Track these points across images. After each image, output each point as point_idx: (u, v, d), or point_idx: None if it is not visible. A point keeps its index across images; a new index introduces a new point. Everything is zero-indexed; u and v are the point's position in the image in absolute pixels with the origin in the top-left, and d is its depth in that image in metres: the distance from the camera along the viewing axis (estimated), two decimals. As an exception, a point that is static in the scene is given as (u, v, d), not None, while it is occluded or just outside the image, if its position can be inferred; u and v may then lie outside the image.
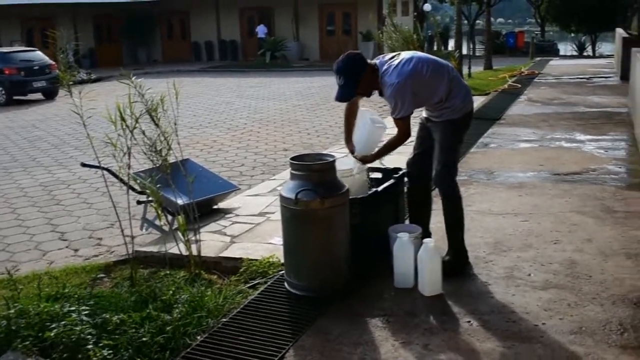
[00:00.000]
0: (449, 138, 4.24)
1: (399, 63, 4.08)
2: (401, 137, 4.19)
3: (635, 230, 4.89)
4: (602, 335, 3.38)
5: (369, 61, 4.17)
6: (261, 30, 30.89)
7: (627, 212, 5.34)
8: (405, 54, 4.22)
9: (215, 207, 6.07)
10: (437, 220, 4.49)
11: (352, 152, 4.45)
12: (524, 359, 3.18)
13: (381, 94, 4.19)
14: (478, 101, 12.72)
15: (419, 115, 4.51)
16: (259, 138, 10.81)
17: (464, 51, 19.53)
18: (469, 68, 17.89)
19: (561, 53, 35.37)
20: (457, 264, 4.23)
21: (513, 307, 3.73)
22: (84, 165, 5.63)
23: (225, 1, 31.94)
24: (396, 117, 4.11)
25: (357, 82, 4.08)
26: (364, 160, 4.38)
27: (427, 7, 29.14)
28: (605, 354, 3.20)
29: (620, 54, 15.08)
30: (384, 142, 4.35)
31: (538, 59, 24.66)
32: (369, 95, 4.26)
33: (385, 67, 4.11)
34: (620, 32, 18.06)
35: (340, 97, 4.18)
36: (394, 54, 4.28)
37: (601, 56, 30.27)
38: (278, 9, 31.67)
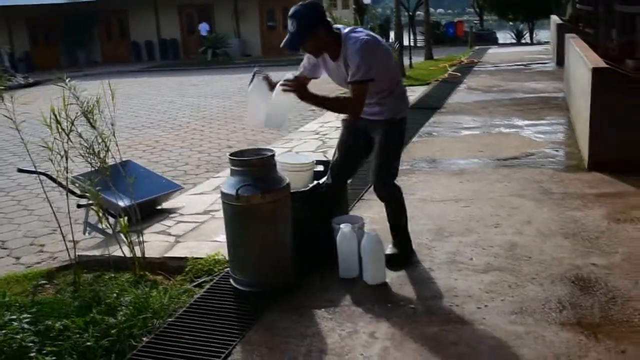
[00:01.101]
0: (394, 140, 4.12)
1: (364, 30, 3.95)
2: (353, 104, 3.85)
3: (572, 211, 5.04)
4: (542, 314, 3.47)
5: (330, 20, 3.89)
6: (203, 27, 30.65)
7: (564, 193, 5.50)
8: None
9: (159, 207, 6.01)
10: (379, 210, 4.52)
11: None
12: (467, 341, 3.25)
13: (334, 58, 3.90)
14: (419, 91, 12.92)
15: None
16: (202, 136, 10.73)
17: (405, 42, 19.74)
18: (410, 59, 18.11)
19: (500, 41, 36.03)
20: (403, 256, 4.27)
21: (456, 291, 3.80)
22: (20, 170, 5.51)
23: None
24: (357, 79, 3.75)
25: (309, 33, 3.75)
26: (302, 92, 3.80)
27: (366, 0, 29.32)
28: (545, 331, 3.29)
29: (556, 40, 15.45)
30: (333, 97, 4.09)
31: (477, 47, 25.06)
32: (318, 55, 3.94)
33: (349, 29, 3.89)
34: (555, 19, 18.50)
35: (287, 44, 3.78)
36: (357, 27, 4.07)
37: (539, 43, 30.96)
38: (217, 5, 31.46)
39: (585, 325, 3.33)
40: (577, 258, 4.16)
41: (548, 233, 4.61)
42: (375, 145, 4.13)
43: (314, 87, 3.97)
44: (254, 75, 4.08)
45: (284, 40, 3.81)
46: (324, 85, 4.34)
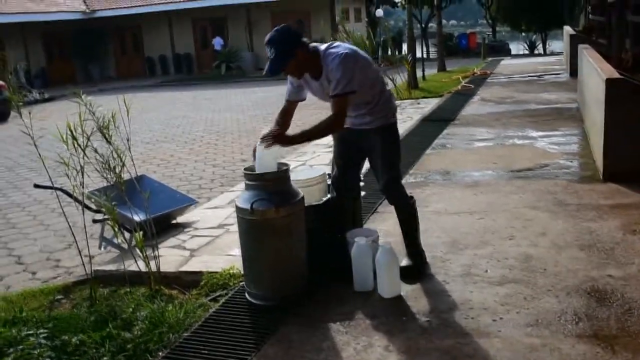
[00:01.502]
0: (391, 146, 4.14)
1: (341, 44, 3.95)
2: (336, 119, 3.84)
3: (587, 222, 5.01)
4: (558, 326, 3.45)
5: (306, 40, 3.89)
6: (217, 42, 30.85)
7: (579, 204, 5.47)
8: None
9: (174, 221, 6.04)
10: (394, 222, 4.53)
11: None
12: (482, 354, 3.24)
13: (315, 77, 3.91)
14: (432, 103, 12.95)
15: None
16: (216, 150, 10.79)
17: (418, 54, 19.77)
18: (423, 71, 18.12)
19: (513, 52, 36.01)
20: (417, 268, 4.27)
21: (471, 303, 3.79)
22: (37, 186, 5.55)
23: (178, 14, 31.78)
24: (338, 92, 3.77)
25: (289, 57, 3.75)
26: (282, 140, 3.89)
27: (379, 12, 29.50)
28: (561, 344, 3.27)
29: (569, 51, 15.42)
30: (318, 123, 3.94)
31: (490, 59, 25.07)
32: (300, 76, 3.94)
33: (326, 45, 3.92)
34: (568, 29, 18.46)
35: (270, 70, 3.77)
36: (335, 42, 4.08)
37: (552, 54, 30.91)
38: (231, 19, 31.67)
39: (602, 337, 3.31)
40: (593, 270, 4.13)
41: (563, 245, 4.59)
42: (372, 153, 4.17)
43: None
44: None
45: (265, 68, 3.82)
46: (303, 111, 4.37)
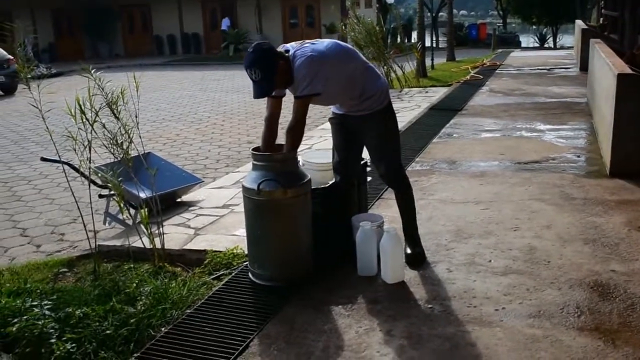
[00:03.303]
0: (388, 130, 4.14)
1: (313, 43, 3.86)
2: (295, 123, 3.81)
3: (593, 217, 5.01)
4: (560, 318, 3.46)
5: (281, 49, 3.85)
6: (224, 22, 30.74)
7: (585, 199, 5.46)
8: (320, 40, 4.00)
9: (179, 200, 6.05)
10: (395, 210, 4.52)
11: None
12: (484, 343, 3.24)
13: (291, 82, 3.82)
14: (440, 92, 12.90)
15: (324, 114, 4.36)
16: (222, 131, 10.78)
17: (427, 43, 19.69)
18: (432, 60, 18.06)
19: (523, 45, 35.88)
20: (423, 254, 4.29)
21: (474, 292, 3.80)
22: (43, 159, 5.57)
23: (188, -6, 31.71)
24: (300, 94, 3.74)
25: (274, 74, 3.69)
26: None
27: (390, -1, 29.29)
28: (562, 335, 3.28)
29: (580, 45, 15.33)
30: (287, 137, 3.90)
31: (500, 50, 24.94)
32: (287, 85, 3.86)
33: (297, 46, 3.83)
34: (579, 23, 18.36)
35: (261, 93, 3.72)
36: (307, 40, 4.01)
37: (562, 48, 30.74)
38: (241, 1, 31.53)
39: (604, 331, 3.32)
40: (597, 264, 4.13)
41: (568, 238, 4.59)
42: (368, 138, 4.15)
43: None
44: None
45: (255, 92, 3.73)
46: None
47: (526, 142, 7.79)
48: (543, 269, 4.08)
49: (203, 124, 11.63)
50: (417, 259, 4.21)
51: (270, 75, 3.69)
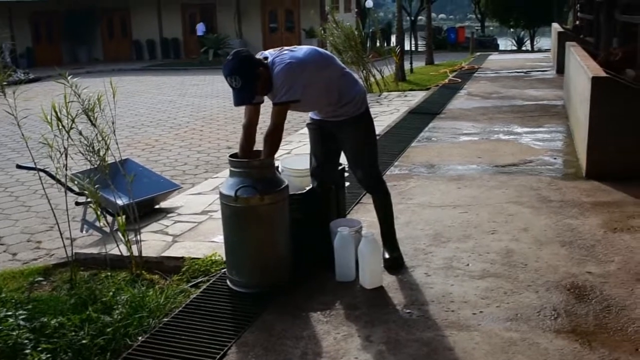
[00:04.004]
0: (365, 136, 4.15)
1: (292, 50, 3.87)
2: (274, 129, 3.80)
3: (569, 219, 5.05)
4: (537, 321, 3.48)
5: (260, 56, 3.85)
6: (200, 28, 30.64)
7: (562, 201, 5.51)
8: (298, 46, 4.01)
9: (157, 206, 6.01)
10: (374, 215, 4.52)
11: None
12: (462, 346, 3.26)
13: (270, 88, 3.81)
14: (419, 96, 12.95)
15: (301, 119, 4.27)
16: (202, 136, 10.75)
17: (406, 47, 19.76)
18: (411, 63, 18.13)
19: (501, 48, 36.13)
20: (401, 259, 4.30)
21: (452, 296, 3.81)
22: (19, 167, 5.51)
23: (167, -2, 31.60)
24: (278, 100, 3.74)
25: (255, 81, 3.70)
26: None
27: (368, 3, 29.37)
28: (539, 338, 3.30)
29: (556, 48, 15.47)
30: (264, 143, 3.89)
31: (478, 54, 25.08)
32: (267, 92, 3.84)
33: (276, 53, 3.84)
34: (556, 26, 18.53)
35: (242, 100, 3.73)
36: (285, 47, 4.01)
37: (539, 50, 31.01)
38: (220, 6, 31.49)
39: (580, 333, 3.34)
40: (573, 266, 4.17)
41: (544, 240, 4.62)
42: (346, 143, 4.15)
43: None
44: None
45: (235, 100, 3.73)
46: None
47: (504, 145, 7.84)
48: (520, 272, 4.10)
49: (182, 129, 11.58)
50: (395, 264, 4.22)
51: (251, 83, 3.68)
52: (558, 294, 3.80)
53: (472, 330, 3.42)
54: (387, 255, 4.24)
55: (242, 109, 4.05)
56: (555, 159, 7.06)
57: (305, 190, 4.27)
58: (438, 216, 5.25)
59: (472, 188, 6.01)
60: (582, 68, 6.96)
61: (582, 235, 4.69)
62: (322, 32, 15.40)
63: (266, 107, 3.91)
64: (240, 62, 3.68)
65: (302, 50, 3.91)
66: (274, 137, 3.86)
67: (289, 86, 3.72)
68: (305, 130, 8.35)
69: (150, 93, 17.71)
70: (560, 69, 13.58)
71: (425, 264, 4.31)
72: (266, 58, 3.83)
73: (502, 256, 4.37)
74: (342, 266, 4.05)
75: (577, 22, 17.60)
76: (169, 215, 5.80)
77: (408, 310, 3.67)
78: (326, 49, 4.24)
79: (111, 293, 3.90)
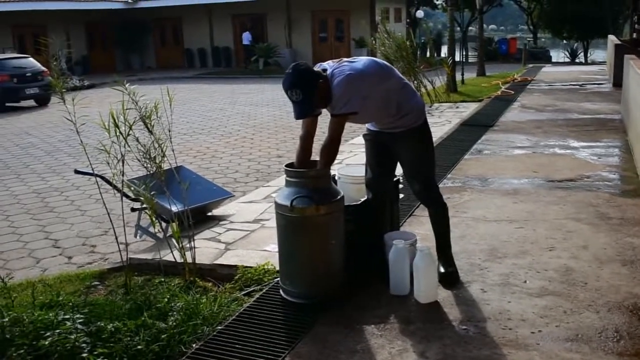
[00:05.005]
0: (423, 148, 4.10)
1: (351, 62, 3.85)
2: (331, 142, 3.80)
3: (630, 237, 4.90)
4: (599, 343, 3.37)
5: (318, 69, 3.86)
6: (246, 37, 30.88)
7: (622, 218, 5.35)
8: (358, 57, 3.98)
9: (209, 214, 6.05)
10: (427, 228, 4.46)
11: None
12: (520, 366, 3.17)
13: (329, 100, 3.79)
14: (471, 108, 12.81)
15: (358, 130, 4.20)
16: (252, 145, 10.81)
17: (457, 58, 19.59)
18: (462, 75, 17.95)
19: (553, 60, 35.51)
20: (457, 274, 4.23)
21: (509, 314, 3.72)
22: (77, 172, 5.61)
23: (218, 8, 31.93)
24: (337, 112, 3.74)
25: (315, 94, 3.68)
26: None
27: (419, 13, 29.33)
28: (601, 361, 3.20)
29: (613, 61, 15.14)
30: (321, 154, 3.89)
31: (530, 65, 24.74)
32: (327, 104, 3.81)
33: (335, 65, 3.82)
34: (612, 38, 18.15)
35: (303, 113, 3.76)
36: (345, 59, 3.98)
37: (593, 63, 30.42)
38: (270, 15, 31.72)
39: (644, 356, 3.23)
40: (636, 287, 4.03)
41: (605, 259, 4.49)
42: (402, 155, 4.11)
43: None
44: None
45: (297, 113, 3.75)
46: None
47: (560, 160, 7.68)
48: (580, 291, 3.99)
49: (233, 137, 11.67)
50: (450, 279, 4.15)
51: (311, 96, 3.68)
52: (620, 315, 3.67)
53: (530, 349, 3.33)
54: (442, 270, 4.17)
55: (292, 119, 4.03)
56: (614, 174, 6.88)
57: (359, 202, 4.23)
58: (493, 231, 5.15)
59: (528, 203, 5.89)
60: (644, 82, 6.77)
61: (644, 255, 4.55)
62: (373, 41, 15.36)
63: (324, 118, 3.89)
64: (300, 76, 3.68)
65: (361, 61, 3.88)
66: (331, 149, 3.84)
67: (347, 98, 3.70)
68: (357, 140, 8.33)
69: (201, 101, 17.92)
70: (617, 82, 13.28)
71: (481, 279, 4.22)
72: (325, 70, 3.82)
73: (560, 274, 4.25)
74: (396, 279, 3.99)
75: (635, 35, 17.20)
76: (221, 222, 5.82)
77: (464, 327, 3.60)
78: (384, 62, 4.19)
79: (166, 299, 3.92)
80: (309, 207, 3.74)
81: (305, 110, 3.75)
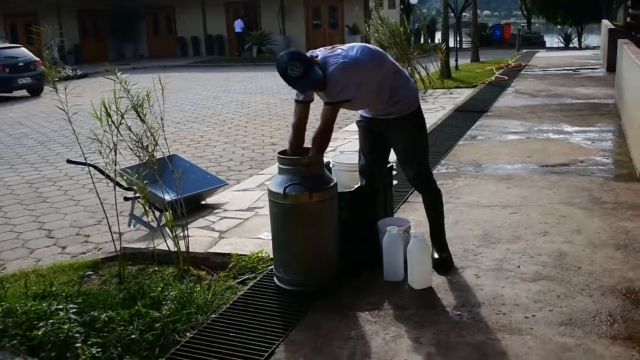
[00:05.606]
0: (417, 134, 4.09)
1: (345, 49, 3.81)
2: (324, 128, 3.78)
3: (624, 221, 4.91)
4: (592, 327, 3.38)
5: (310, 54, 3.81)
6: (238, 25, 30.75)
7: (615, 203, 5.36)
8: (351, 44, 3.95)
9: (203, 202, 6.04)
10: (421, 214, 4.46)
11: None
12: (514, 351, 3.18)
13: (322, 87, 3.75)
14: (465, 93, 12.81)
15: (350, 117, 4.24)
16: (246, 133, 10.78)
17: (451, 44, 19.55)
18: (456, 60, 17.93)
19: (547, 45, 35.51)
20: (450, 259, 4.23)
21: (503, 299, 3.72)
22: (69, 161, 5.59)
23: (211, -5, 31.80)
24: (331, 99, 3.72)
25: (313, 66, 3.63)
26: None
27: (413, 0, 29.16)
28: (595, 344, 3.20)
29: (606, 46, 15.13)
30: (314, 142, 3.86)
31: (524, 51, 24.72)
32: (324, 87, 3.74)
33: (328, 52, 3.79)
34: (606, 23, 18.12)
35: (307, 85, 3.69)
36: (338, 46, 3.95)
37: (587, 48, 30.39)
38: (263, 2, 31.58)
39: (637, 339, 3.23)
40: (629, 270, 4.04)
41: (598, 243, 4.50)
42: (396, 141, 4.10)
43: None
44: None
45: (300, 87, 3.72)
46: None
47: (553, 144, 7.68)
48: (573, 275, 3.99)
49: (227, 125, 11.63)
50: (444, 264, 4.15)
51: (311, 67, 3.62)
52: (614, 298, 3.68)
53: (524, 334, 3.33)
54: (436, 256, 4.17)
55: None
56: (607, 159, 6.89)
57: (353, 189, 4.22)
58: (487, 216, 5.15)
59: (522, 188, 5.89)
60: (637, 66, 6.76)
61: (637, 239, 4.55)
62: (367, 28, 15.31)
63: (316, 105, 3.87)
64: (295, 53, 3.66)
65: (355, 48, 3.85)
66: (324, 136, 3.83)
67: (342, 86, 3.69)
68: (350, 127, 8.33)
69: (194, 89, 17.85)
70: (611, 66, 13.29)
71: (474, 264, 4.23)
72: (316, 56, 3.79)
73: (554, 258, 4.26)
74: (390, 266, 3.99)
75: (629, 19, 17.19)
76: (215, 211, 5.81)
77: (458, 312, 3.60)
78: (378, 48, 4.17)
79: (159, 288, 3.91)
80: (301, 194, 3.73)
81: (309, 81, 3.65)
